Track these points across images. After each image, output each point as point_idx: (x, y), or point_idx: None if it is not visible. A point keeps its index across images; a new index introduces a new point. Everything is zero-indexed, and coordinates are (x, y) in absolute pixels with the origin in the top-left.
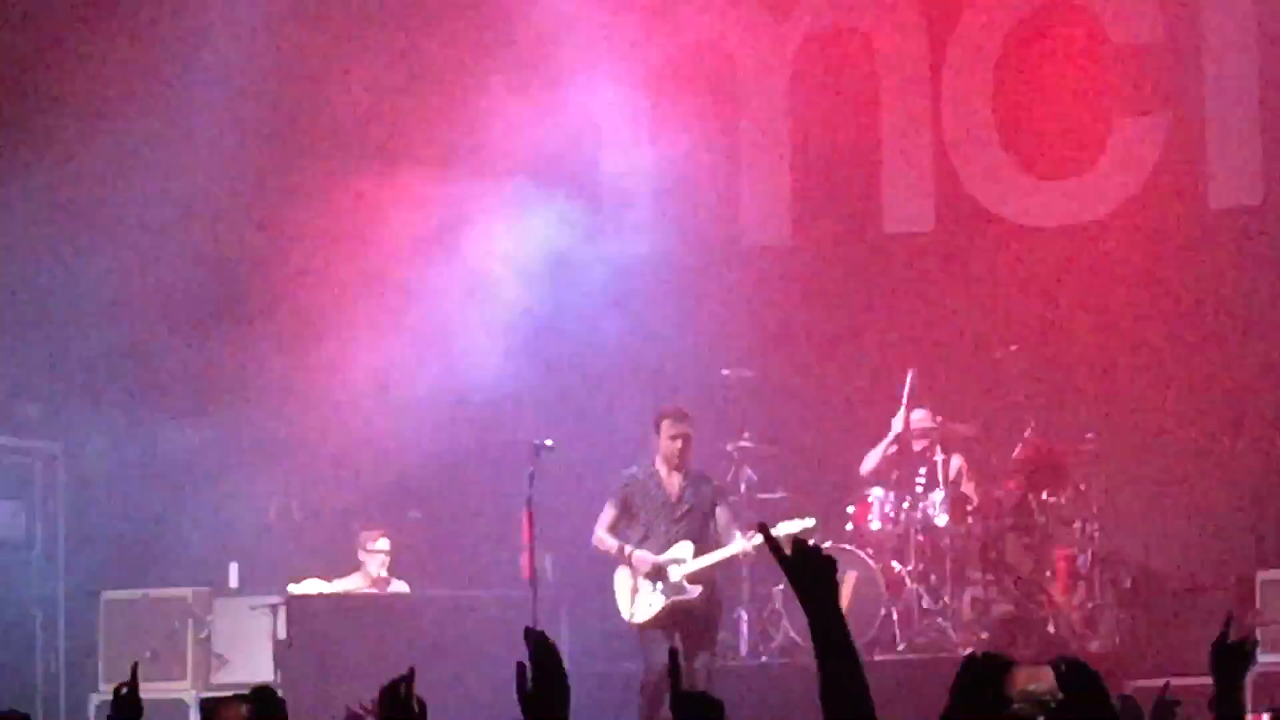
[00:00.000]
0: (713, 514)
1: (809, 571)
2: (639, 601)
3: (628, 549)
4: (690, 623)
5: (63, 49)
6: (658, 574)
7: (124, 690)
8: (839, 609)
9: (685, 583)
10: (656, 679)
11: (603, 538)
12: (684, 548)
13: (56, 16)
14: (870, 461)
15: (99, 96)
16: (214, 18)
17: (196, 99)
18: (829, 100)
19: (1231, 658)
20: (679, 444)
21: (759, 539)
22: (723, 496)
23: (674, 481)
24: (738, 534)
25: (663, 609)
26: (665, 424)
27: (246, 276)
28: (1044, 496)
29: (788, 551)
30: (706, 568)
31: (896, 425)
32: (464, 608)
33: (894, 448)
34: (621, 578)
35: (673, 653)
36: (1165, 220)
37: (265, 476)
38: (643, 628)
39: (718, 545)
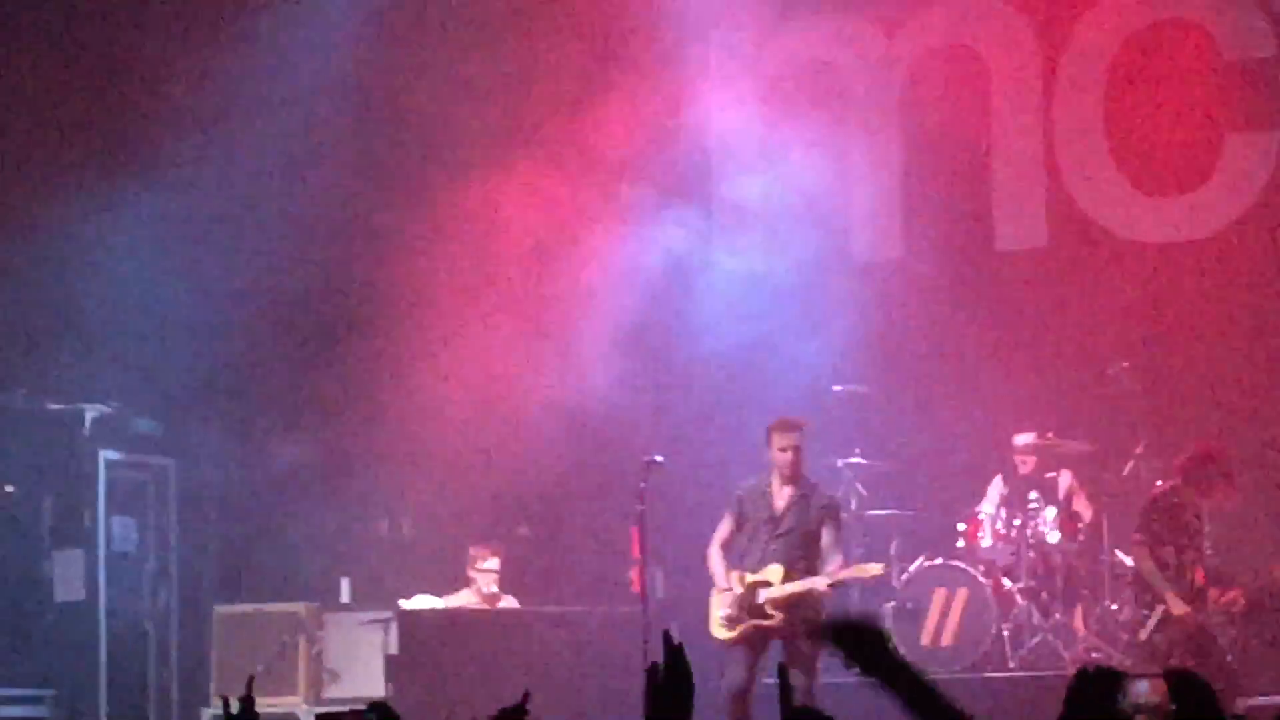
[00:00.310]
0: (818, 534)
1: (857, 644)
2: (725, 619)
3: (720, 581)
4: (774, 646)
5: (181, 67)
6: (748, 593)
7: (239, 703)
8: (901, 665)
9: (768, 607)
10: (728, 697)
11: (712, 555)
12: (774, 571)
13: (175, 36)
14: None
15: (217, 114)
16: (327, 29)
17: (313, 114)
18: (940, 116)
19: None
20: (788, 455)
21: (832, 579)
22: (832, 516)
23: (783, 495)
24: (835, 560)
25: (742, 630)
26: (774, 436)
27: (359, 290)
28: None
29: (831, 638)
30: (789, 594)
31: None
32: (574, 623)
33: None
34: (717, 594)
35: (781, 668)
36: (1277, 237)
37: (377, 491)
38: (726, 645)
39: (818, 568)
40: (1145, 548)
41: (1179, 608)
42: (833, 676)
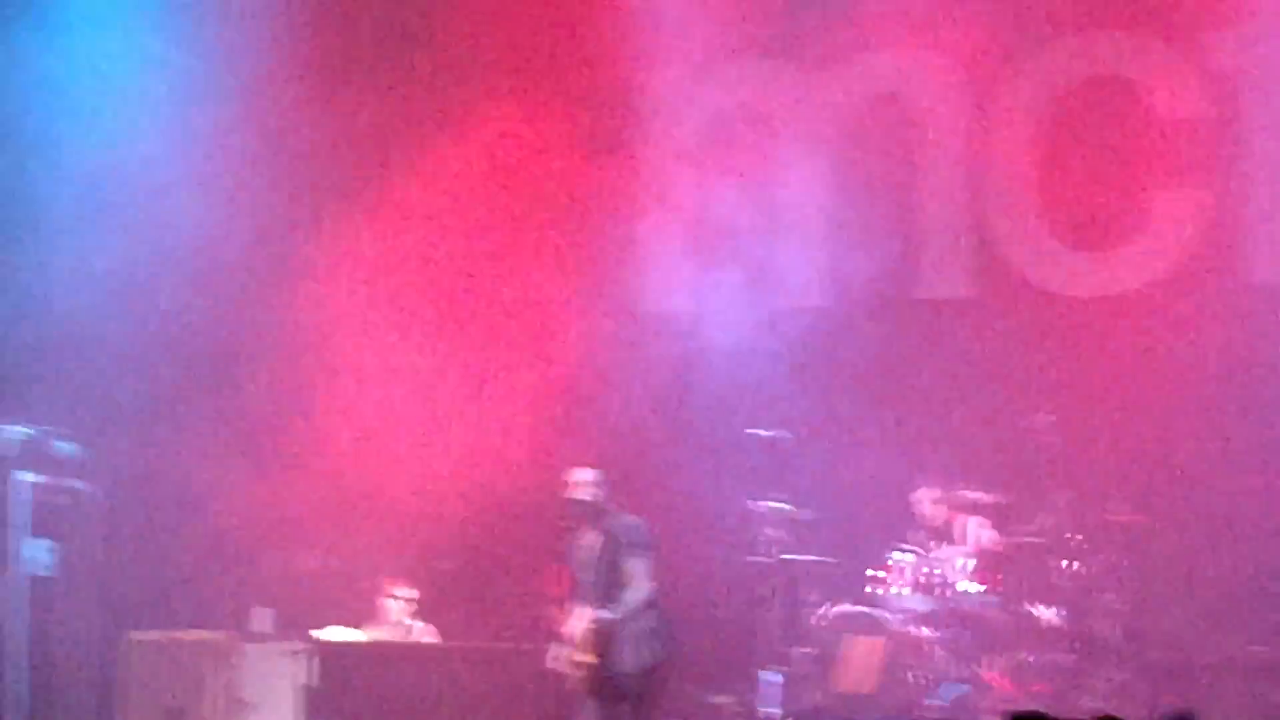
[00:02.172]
0: (619, 566)
1: None
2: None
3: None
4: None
5: None
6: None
7: None
8: None
9: (577, 656)
10: None
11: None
12: (573, 628)
13: None
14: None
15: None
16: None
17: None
18: (868, 164)
19: None
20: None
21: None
22: (631, 546)
23: (588, 538)
24: (637, 590)
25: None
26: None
27: (272, 318)
28: (1073, 566)
29: None
30: (580, 642)
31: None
32: (494, 659)
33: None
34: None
35: None
36: (1204, 294)
37: (297, 522)
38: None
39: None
40: None
41: None
42: None
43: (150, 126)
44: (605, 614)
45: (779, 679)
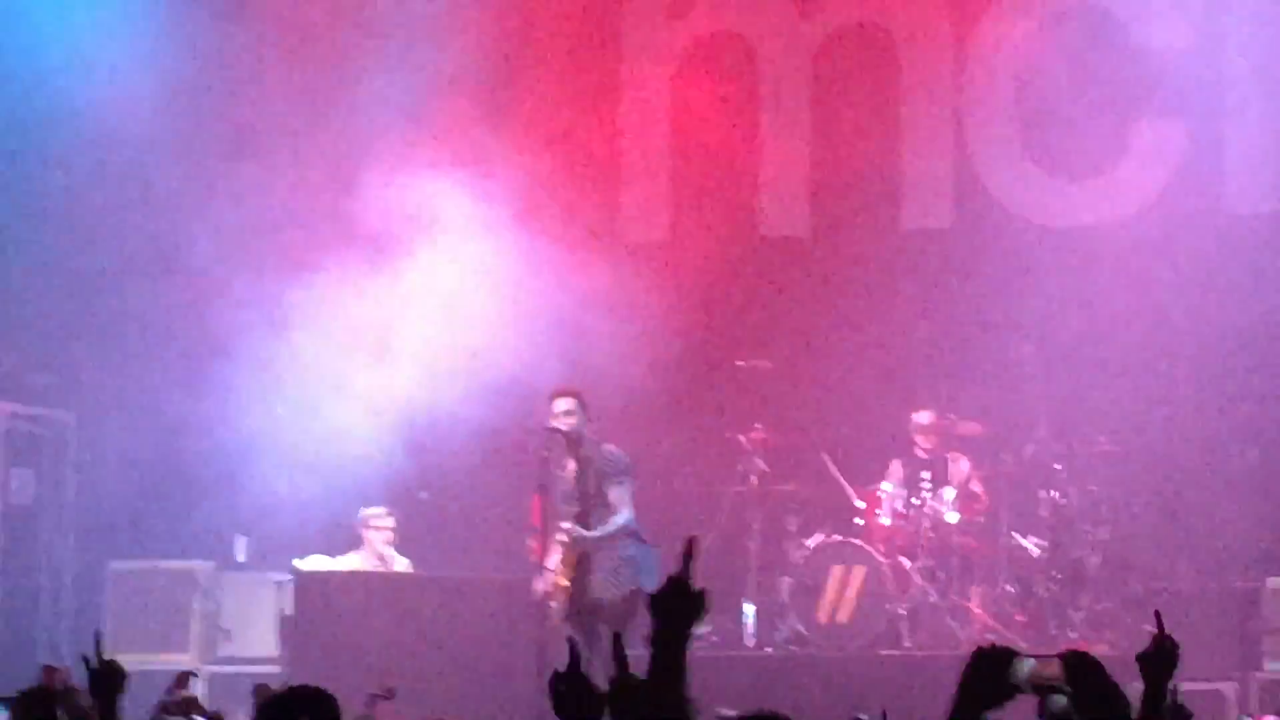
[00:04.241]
0: (601, 496)
1: (676, 606)
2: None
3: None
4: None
5: None
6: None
7: (97, 662)
8: (684, 648)
9: (559, 581)
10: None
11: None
12: (552, 560)
13: None
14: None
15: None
16: None
17: None
18: (850, 94)
19: (1159, 660)
20: (564, 426)
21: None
22: (612, 474)
23: (568, 466)
24: (619, 518)
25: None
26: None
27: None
28: (1054, 496)
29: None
30: (560, 563)
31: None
32: (472, 589)
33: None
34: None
35: (615, 636)
36: (1184, 224)
37: (276, 451)
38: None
39: None
40: None
41: None
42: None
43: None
44: (578, 530)
45: (754, 609)
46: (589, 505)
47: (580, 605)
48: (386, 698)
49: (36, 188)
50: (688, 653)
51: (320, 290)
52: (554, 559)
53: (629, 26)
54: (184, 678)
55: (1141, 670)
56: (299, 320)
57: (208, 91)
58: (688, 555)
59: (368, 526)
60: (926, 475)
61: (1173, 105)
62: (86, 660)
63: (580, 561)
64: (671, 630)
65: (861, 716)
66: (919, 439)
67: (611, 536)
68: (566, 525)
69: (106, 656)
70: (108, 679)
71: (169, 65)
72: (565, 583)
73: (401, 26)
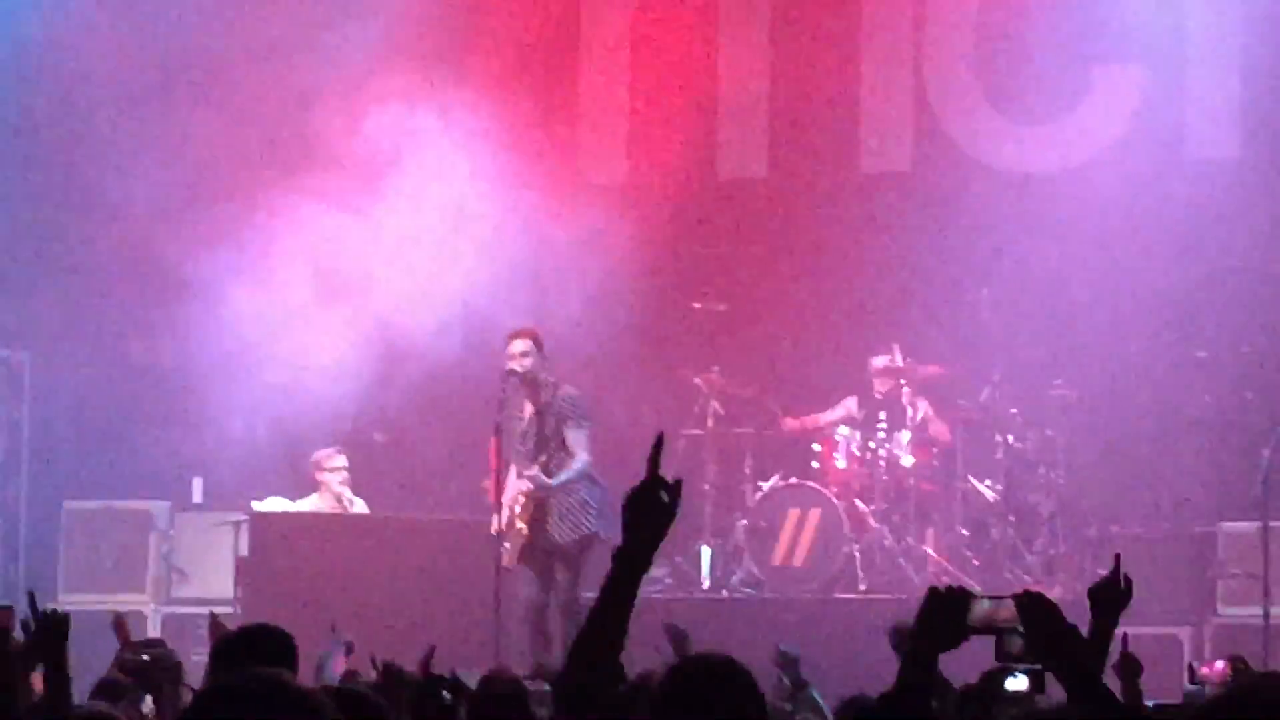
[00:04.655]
0: (559, 437)
1: (646, 510)
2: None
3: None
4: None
5: None
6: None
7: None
8: (649, 557)
9: (518, 521)
10: (525, 610)
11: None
12: (514, 486)
13: None
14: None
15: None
16: None
17: None
18: (810, 36)
19: (1109, 597)
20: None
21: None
22: (571, 415)
23: (525, 407)
24: (578, 460)
25: (514, 553)
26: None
27: (211, 183)
28: (1010, 440)
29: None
30: (522, 502)
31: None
32: (427, 530)
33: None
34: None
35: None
36: (1143, 169)
37: (232, 391)
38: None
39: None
40: None
41: None
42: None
43: None
44: (541, 478)
45: (710, 552)
46: (547, 448)
47: (535, 547)
48: (348, 650)
49: None
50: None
51: (276, 229)
52: (511, 499)
53: None
54: (120, 624)
55: (1092, 607)
56: (255, 259)
57: (156, 26)
58: (656, 451)
59: (321, 468)
60: (883, 416)
61: (1132, 50)
62: (25, 624)
63: (538, 505)
64: (643, 533)
65: (783, 646)
66: (876, 382)
67: (570, 480)
68: (530, 472)
69: (54, 606)
70: (51, 634)
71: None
72: (522, 525)
73: None
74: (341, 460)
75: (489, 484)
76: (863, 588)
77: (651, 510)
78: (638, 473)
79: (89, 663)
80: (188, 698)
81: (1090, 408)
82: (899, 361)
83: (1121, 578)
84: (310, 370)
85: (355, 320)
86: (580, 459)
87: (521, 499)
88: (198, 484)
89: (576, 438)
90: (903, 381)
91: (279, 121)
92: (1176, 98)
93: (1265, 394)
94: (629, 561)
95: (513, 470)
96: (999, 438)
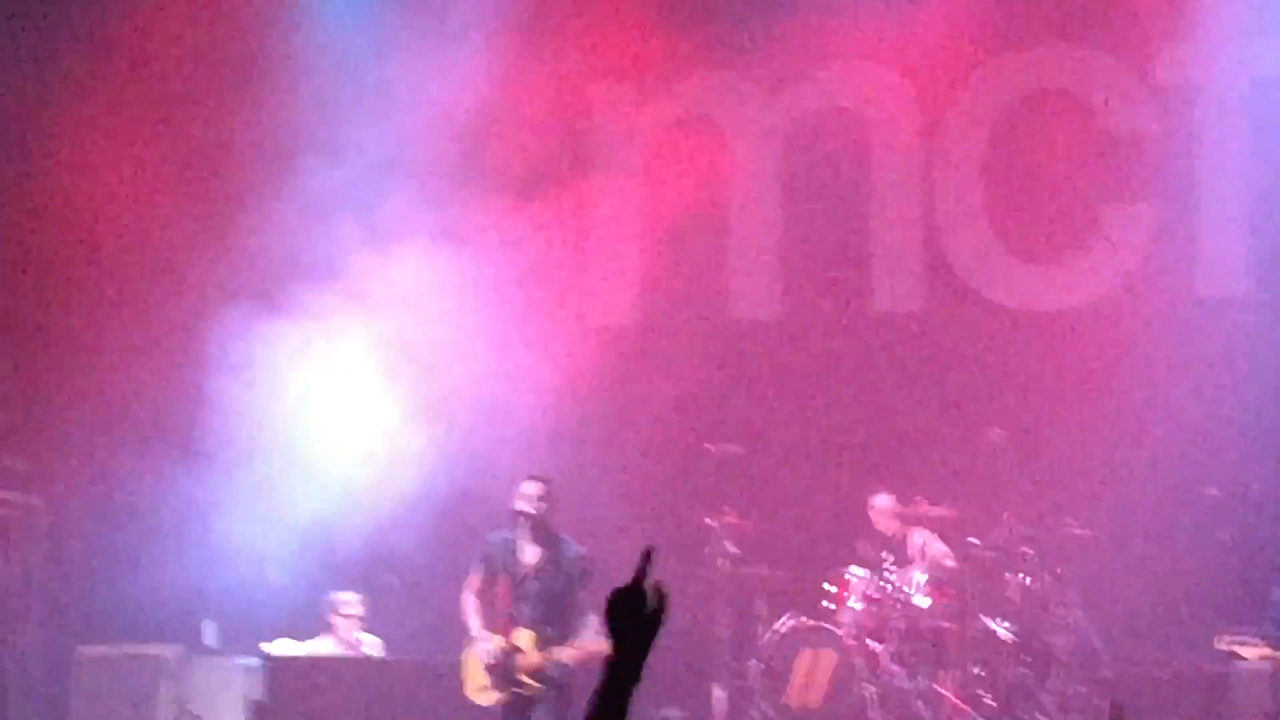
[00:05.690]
0: (570, 595)
1: (632, 613)
2: (482, 685)
3: (474, 630)
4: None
5: None
6: (504, 660)
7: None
8: (639, 667)
9: (524, 677)
10: None
11: (466, 604)
12: (524, 636)
13: None
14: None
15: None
16: None
17: None
18: (821, 177)
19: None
20: (534, 512)
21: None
22: (586, 576)
23: (532, 553)
24: (590, 622)
25: (500, 700)
26: (520, 489)
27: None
28: (1023, 579)
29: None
30: (543, 664)
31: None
32: (441, 672)
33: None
34: (470, 649)
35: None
36: (1153, 307)
37: (245, 534)
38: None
39: (571, 630)
40: None
41: None
42: None
43: None
44: (566, 664)
45: (725, 694)
46: (558, 605)
47: (544, 696)
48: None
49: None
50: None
51: (283, 370)
52: (526, 656)
53: (598, 109)
54: None
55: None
56: (263, 404)
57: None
58: (644, 565)
59: (338, 613)
60: (888, 555)
61: (1141, 188)
62: None
63: (537, 669)
64: (629, 638)
65: None
66: (879, 522)
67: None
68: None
69: None
70: None
71: None
72: (535, 684)
73: (374, 93)
74: (360, 608)
75: (503, 624)
76: None
77: (636, 616)
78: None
79: None
80: None
81: (1103, 546)
82: (901, 503)
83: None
84: (322, 511)
85: (367, 460)
86: (590, 624)
87: (535, 664)
88: (209, 626)
89: (585, 600)
90: (910, 521)
91: (276, 254)
92: (1185, 236)
93: (1277, 532)
94: (616, 670)
95: (523, 633)
96: (1012, 577)
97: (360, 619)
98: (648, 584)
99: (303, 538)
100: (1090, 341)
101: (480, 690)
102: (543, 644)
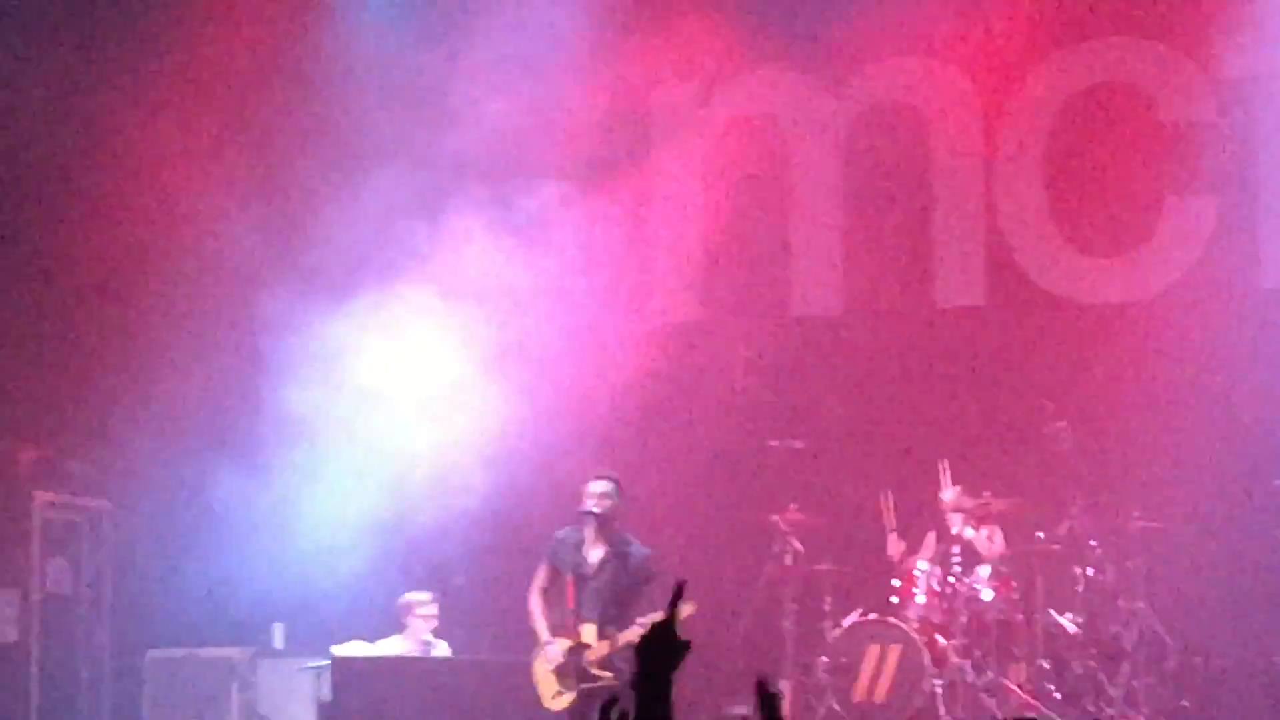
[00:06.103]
0: (632, 591)
1: (659, 652)
2: (556, 692)
3: (543, 634)
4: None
5: None
6: (571, 659)
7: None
8: (668, 694)
9: (593, 669)
10: None
11: (533, 604)
12: (588, 631)
13: None
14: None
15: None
16: None
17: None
18: (882, 173)
19: (661, 647)
20: (600, 509)
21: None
22: (648, 576)
23: (596, 550)
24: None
25: (573, 701)
26: (587, 487)
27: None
28: (1090, 573)
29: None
30: (609, 651)
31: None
32: (508, 672)
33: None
34: (541, 651)
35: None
36: (1216, 299)
37: (313, 535)
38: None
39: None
40: None
41: None
42: None
43: None
44: (631, 638)
45: (791, 689)
46: (621, 603)
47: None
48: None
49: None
50: (670, 699)
51: (349, 370)
52: (594, 650)
53: (661, 107)
54: None
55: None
56: (330, 405)
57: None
58: (675, 599)
59: (412, 614)
60: (956, 550)
61: (1203, 180)
62: None
63: (605, 660)
64: (654, 674)
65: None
66: (949, 516)
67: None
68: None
69: None
70: None
71: None
72: (608, 677)
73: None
74: (434, 608)
75: (570, 623)
76: None
77: (663, 649)
78: (716, 613)
79: None
80: None
81: (1170, 538)
82: (967, 495)
83: None
84: (391, 513)
85: (433, 458)
86: (657, 617)
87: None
88: (279, 629)
89: (650, 600)
90: (978, 515)
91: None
92: (1248, 227)
93: None
94: (645, 701)
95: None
96: (1079, 570)
97: (434, 620)
98: (677, 618)
99: (370, 538)
100: (1153, 334)
101: (555, 697)
102: (606, 635)
